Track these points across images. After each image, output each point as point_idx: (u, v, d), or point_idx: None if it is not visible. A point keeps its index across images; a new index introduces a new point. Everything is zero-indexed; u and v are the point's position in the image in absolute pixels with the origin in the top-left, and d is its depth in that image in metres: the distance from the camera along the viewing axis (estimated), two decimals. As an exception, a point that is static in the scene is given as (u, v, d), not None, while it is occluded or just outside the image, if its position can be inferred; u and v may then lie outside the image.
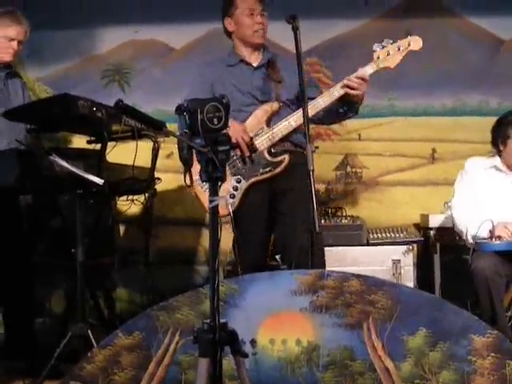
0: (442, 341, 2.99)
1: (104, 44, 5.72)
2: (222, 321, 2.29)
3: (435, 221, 5.08)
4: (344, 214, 5.26)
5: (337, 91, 3.79)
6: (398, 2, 5.69)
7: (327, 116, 3.97)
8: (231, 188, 3.85)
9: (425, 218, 5.19)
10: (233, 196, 3.85)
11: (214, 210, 2.29)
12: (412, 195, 5.61)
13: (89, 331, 3.45)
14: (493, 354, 2.97)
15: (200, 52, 5.65)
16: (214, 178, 2.24)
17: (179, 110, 2.23)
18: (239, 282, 3.13)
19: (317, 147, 3.84)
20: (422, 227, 5.31)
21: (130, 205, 4.31)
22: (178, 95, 5.45)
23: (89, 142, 4.27)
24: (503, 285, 3.93)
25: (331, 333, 3.02)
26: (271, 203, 3.87)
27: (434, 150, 5.66)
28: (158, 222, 5.35)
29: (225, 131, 2.26)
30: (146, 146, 4.22)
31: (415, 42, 3.83)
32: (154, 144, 4.34)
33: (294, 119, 3.75)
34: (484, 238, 3.97)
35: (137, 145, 4.13)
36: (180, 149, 2.22)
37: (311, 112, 3.67)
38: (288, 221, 3.79)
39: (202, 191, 3.86)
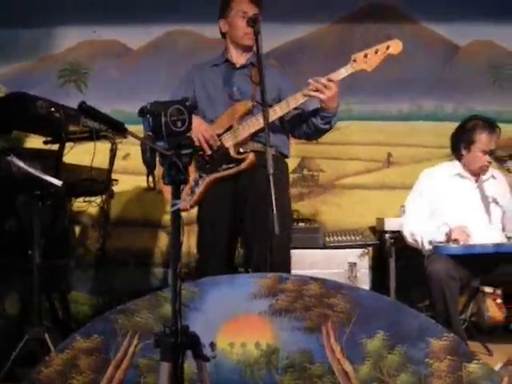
0: (399, 344, 3.01)
1: (62, 43, 5.67)
2: (183, 324, 2.27)
3: (391, 224, 5.13)
4: (301, 216, 5.30)
5: (303, 94, 3.76)
6: (357, 8, 5.74)
7: (303, 129, 3.96)
8: (193, 182, 3.83)
9: (380, 221, 5.24)
10: (192, 191, 3.83)
11: (177, 213, 2.27)
12: (368, 199, 5.67)
13: (46, 334, 3.40)
14: (449, 357, 3.01)
15: (158, 53, 5.68)
16: (176, 182, 2.23)
17: (142, 112, 2.22)
18: (199, 285, 3.12)
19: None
20: (378, 231, 5.36)
21: (88, 206, 4.28)
22: (136, 96, 5.50)
23: (45, 143, 4.24)
24: (457, 288, 3.96)
25: (290, 336, 3.03)
26: (235, 204, 3.86)
27: (389, 155, 5.73)
28: (115, 223, 5.32)
29: (188, 134, 2.25)
30: (102, 147, 4.20)
31: (394, 46, 3.75)
32: (112, 145, 4.33)
33: (259, 119, 3.73)
34: (441, 242, 3.99)
35: (95, 146, 4.12)
36: (143, 151, 2.20)
37: (280, 112, 3.71)
38: (250, 222, 3.78)
39: (169, 190, 3.86)
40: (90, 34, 5.63)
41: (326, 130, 3.96)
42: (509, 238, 4.10)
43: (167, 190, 3.83)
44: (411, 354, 3.01)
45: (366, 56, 3.72)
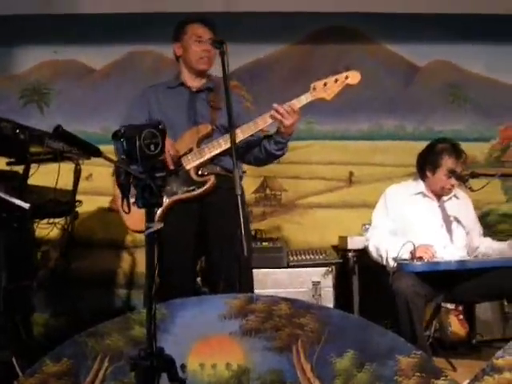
0: (369, 362, 3.04)
1: (23, 63, 5.64)
2: (158, 347, 2.27)
3: (353, 243, 5.17)
4: (263, 236, 5.32)
5: (264, 119, 3.79)
6: (318, 28, 5.80)
7: (254, 153, 3.98)
8: None
9: (343, 240, 5.28)
10: None
11: (151, 237, 2.28)
12: (330, 217, 5.72)
13: (13, 359, 3.35)
14: (418, 374, 3.04)
15: (120, 73, 5.68)
16: (150, 204, 2.24)
17: (116, 135, 2.22)
18: (169, 306, 3.11)
19: (244, 172, 3.90)
20: (341, 249, 5.40)
21: (52, 228, 4.25)
22: (98, 116, 5.49)
23: (9, 164, 4.20)
24: (423, 305, 4.02)
25: (261, 356, 3.04)
26: (199, 226, 3.87)
27: (351, 173, 5.80)
28: (77, 244, 5.26)
29: (161, 157, 2.27)
30: (64, 168, 4.17)
31: (353, 77, 3.83)
32: (76, 166, 4.30)
33: (225, 139, 3.75)
34: (405, 259, 4.03)
35: (59, 167, 4.10)
36: (117, 175, 2.21)
37: (241, 136, 3.72)
38: (215, 245, 3.79)
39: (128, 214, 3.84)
40: (52, 54, 5.60)
41: (278, 157, 4.01)
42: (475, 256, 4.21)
43: (127, 215, 3.85)
44: (380, 372, 3.04)
45: (325, 85, 3.79)
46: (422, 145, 4.56)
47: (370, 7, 5.51)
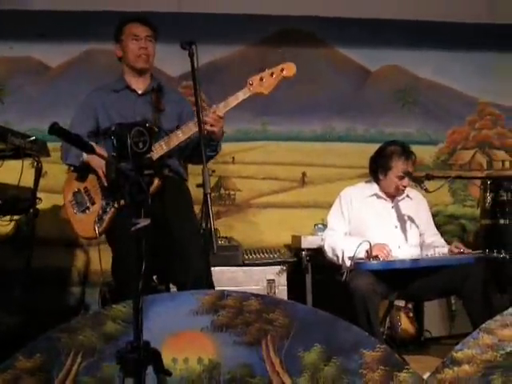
0: (335, 356, 3.16)
1: (-23, 59, 5.56)
2: (144, 340, 2.33)
3: (307, 242, 5.26)
4: (218, 235, 5.37)
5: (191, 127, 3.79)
6: (274, 30, 5.89)
7: (191, 156, 4.02)
8: (101, 210, 3.84)
9: (297, 239, 5.36)
10: (101, 218, 3.83)
11: (138, 233, 2.32)
12: (283, 217, 5.80)
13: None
14: (382, 367, 3.18)
15: (76, 71, 5.64)
16: (138, 201, 2.29)
17: (106, 133, 2.27)
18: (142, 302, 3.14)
19: (213, 171, 3.95)
20: (294, 248, 5.49)
21: (15, 225, 4.24)
22: (54, 114, 5.42)
23: (-33, 160, 4.16)
24: (379, 302, 4.15)
25: (231, 351, 3.12)
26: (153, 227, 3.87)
27: (304, 174, 5.90)
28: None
29: (149, 155, 2.32)
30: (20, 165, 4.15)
31: (288, 69, 3.86)
32: (38, 164, 4.28)
33: (166, 142, 3.76)
34: (361, 258, 4.14)
35: (22, 164, 4.09)
36: (108, 172, 2.25)
37: (182, 137, 3.77)
38: (176, 243, 3.81)
39: (73, 213, 3.88)
40: (7, 51, 5.53)
41: (213, 157, 4.10)
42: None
43: (71, 213, 3.89)
44: (346, 366, 3.16)
45: (261, 79, 3.83)
46: (373, 147, 4.68)
47: (324, 11, 5.60)
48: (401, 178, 4.39)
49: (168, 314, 3.11)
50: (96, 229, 3.75)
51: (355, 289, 4.03)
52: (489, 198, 4.93)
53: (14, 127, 4.44)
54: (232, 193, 5.79)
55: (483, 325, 3.31)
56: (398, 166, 4.39)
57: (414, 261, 4.20)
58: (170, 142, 3.76)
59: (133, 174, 2.23)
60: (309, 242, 5.26)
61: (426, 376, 3.26)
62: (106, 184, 3.72)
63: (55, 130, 2.07)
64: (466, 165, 6.12)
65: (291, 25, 5.86)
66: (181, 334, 3.10)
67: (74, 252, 5.58)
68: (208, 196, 3.35)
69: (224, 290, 3.25)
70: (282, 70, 3.85)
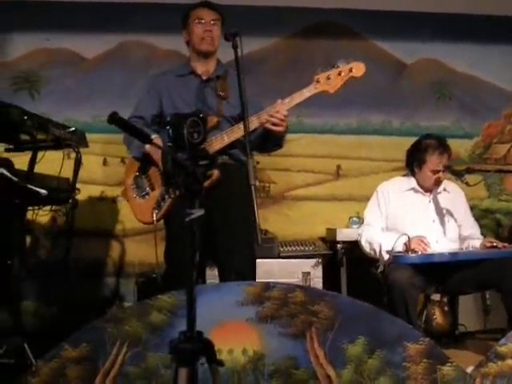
0: (379, 348, 3.15)
1: (15, 50, 5.60)
2: (197, 331, 2.33)
3: (342, 235, 5.27)
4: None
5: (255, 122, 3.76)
6: (309, 23, 5.88)
7: (254, 144, 3.97)
8: (160, 197, 3.85)
9: (332, 231, 5.37)
10: (159, 205, 3.85)
11: (191, 224, 2.33)
12: (317, 210, 5.80)
13: (25, 344, 3.36)
14: (425, 360, 3.16)
15: (111, 62, 5.69)
16: (193, 191, 2.29)
17: (162, 123, 2.27)
18: (186, 293, 3.16)
19: (258, 162, 3.94)
20: (328, 240, 5.49)
21: (51, 216, 4.26)
22: (89, 105, 5.48)
23: (7, 150, 4.19)
24: (417, 296, 4.14)
25: (276, 342, 3.12)
26: (206, 216, 3.88)
27: (338, 167, 5.89)
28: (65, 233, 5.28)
29: (203, 146, 2.32)
30: (53, 156, 4.18)
31: (357, 69, 3.82)
32: (77, 155, 4.30)
33: (228, 134, 3.77)
34: (399, 252, 4.13)
35: (63, 155, 4.12)
36: (164, 162, 2.26)
37: (236, 135, 3.71)
38: (223, 234, 3.83)
39: (133, 197, 3.90)
40: (44, 42, 5.58)
41: (276, 150, 4.11)
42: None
43: (131, 197, 3.91)
44: (390, 358, 3.15)
45: (329, 77, 3.78)
46: (408, 140, 4.66)
47: (361, 4, 5.61)
48: (435, 172, 4.37)
49: (213, 304, 3.11)
50: (154, 215, 3.75)
51: (394, 282, 4.02)
52: (527, 192, 4.89)
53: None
54: (267, 185, 5.79)
55: (528, 319, 3.29)
56: (433, 159, 4.37)
57: (453, 254, 4.18)
58: (231, 134, 3.73)
59: (188, 164, 2.23)
60: (344, 234, 5.27)
61: (469, 370, 3.24)
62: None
63: (115, 120, 2.07)
64: (501, 159, 6.08)
65: (327, 18, 5.86)
66: (226, 325, 3.10)
67: (110, 243, 5.62)
68: (253, 187, 3.33)
69: (269, 282, 3.25)
70: (351, 69, 3.81)
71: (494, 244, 4.24)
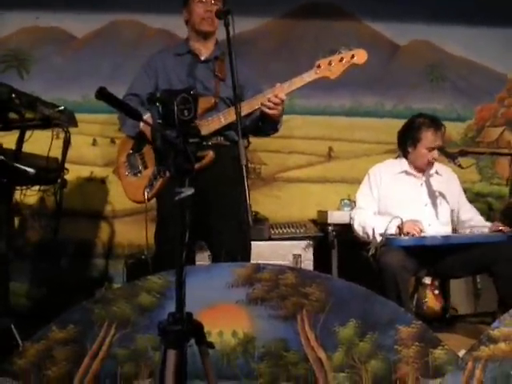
0: (370, 331, 3.13)
1: (3, 29, 5.49)
2: (187, 312, 2.30)
3: (333, 217, 5.22)
4: (244, 208, 5.34)
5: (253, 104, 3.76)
6: (302, 4, 5.82)
7: (250, 127, 3.96)
8: (152, 176, 3.80)
9: (323, 214, 5.32)
10: (151, 184, 3.80)
11: (182, 202, 2.28)
12: (308, 192, 5.75)
13: (12, 326, 3.31)
14: (417, 343, 3.15)
15: (102, 42, 5.61)
16: (183, 170, 2.24)
17: (151, 100, 2.21)
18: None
19: (249, 142, 3.89)
20: (320, 223, 5.44)
21: (40, 196, 4.20)
22: (78, 84, 5.41)
23: (-5, 130, 4.12)
24: (409, 279, 4.13)
25: (266, 324, 3.09)
26: (198, 196, 3.84)
27: (330, 149, 5.83)
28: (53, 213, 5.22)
29: (194, 123, 2.27)
30: (41, 135, 4.12)
31: (359, 56, 3.80)
32: (66, 134, 4.23)
33: (225, 116, 3.73)
34: (392, 234, 4.09)
35: (52, 134, 4.06)
36: (153, 139, 2.21)
37: (233, 116, 3.62)
38: (217, 215, 3.79)
39: (125, 175, 3.85)
40: (33, 20, 5.48)
41: (273, 133, 4.07)
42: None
43: (123, 174, 3.86)
44: (381, 341, 3.13)
45: (330, 63, 3.74)
46: (401, 123, 4.63)
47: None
48: (431, 149, 4.34)
49: (203, 286, 3.07)
50: (145, 194, 3.71)
51: (385, 265, 4.00)
52: (519, 176, 4.87)
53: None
54: (258, 167, 5.73)
55: (520, 303, 3.27)
56: (428, 137, 4.34)
57: (445, 237, 4.17)
58: (228, 115, 3.72)
59: (178, 141, 2.18)
60: (335, 217, 5.22)
61: (461, 353, 3.22)
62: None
63: (104, 96, 2.01)
64: (493, 142, 6.04)
65: (320, -2, 5.80)
66: (216, 307, 3.07)
67: (99, 224, 5.57)
68: (244, 167, 3.29)
69: (260, 263, 3.22)
70: (353, 56, 3.78)
71: (500, 228, 4.21)
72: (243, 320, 3.09)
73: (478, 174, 5.95)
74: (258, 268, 3.14)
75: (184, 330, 2.25)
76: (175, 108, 2.16)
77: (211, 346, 2.35)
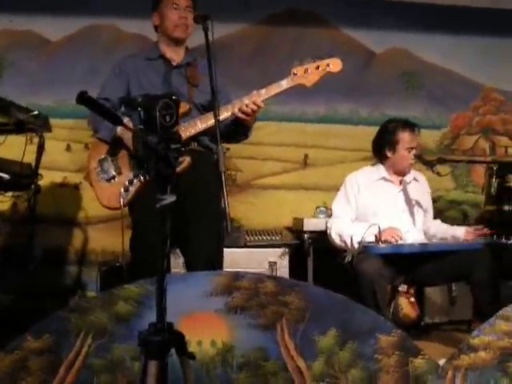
0: (350, 340, 3.09)
1: (-25, 32, 5.41)
2: (168, 322, 2.25)
3: (309, 225, 5.21)
4: (219, 216, 5.30)
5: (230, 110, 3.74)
6: (277, 10, 5.79)
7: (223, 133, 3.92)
8: (127, 182, 3.74)
9: (299, 221, 5.30)
10: (127, 189, 3.73)
11: (163, 209, 2.24)
12: (284, 199, 5.74)
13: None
14: (397, 352, 3.11)
15: (76, 46, 5.53)
16: (164, 176, 2.19)
17: (131, 105, 2.16)
18: (155, 282, 3.05)
19: (228, 148, 3.85)
20: (295, 230, 5.43)
21: (12, 202, 4.13)
22: (52, 89, 5.33)
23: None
24: (386, 286, 4.12)
25: (246, 333, 3.03)
26: (176, 204, 3.80)
27: (306, 156, 5.82)
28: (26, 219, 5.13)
29: (175, 129, 2.23)
30: (16, 140, 4.05)
31: (335, 65, 3.82)
32: (40, 139, 4.19)
33: (202, 121, 3.70)
34: (370, 242, 4.08)
35: (26, 139, 4.00)
36: (134, 145, 2.16)
37: (210, 122, 3.62)
38: (192, 221, 3.74)
39: (97, 180, 3.78)
40: (7, 24, 5.38)
41: (243, 139, 4.09)
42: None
43: (95, 180, 3.79)
44: (361, 350, 3.09)
45: (306, 71, 3.76)
46: (376, 130, 4.63)
47: (328, -9, 5.55)
48: (410, 149, 4.35)
49: (181, 295, 3.00)
50: (121, 200, 3.64)
51: (363, 272, 3.99)
52: (495, 184, 4.88)
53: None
54: (233, 173, 5.69)
55: (500, 311, 3.25)
56: (405, 137, 4.38)
57: (423, 245, 4.20)
58: (205, 120, 3.69)
59: (160, 147, 2.13)
60: (311, 224, 5.22)
61: (441, 362, 3.20)
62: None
63: (84, 100, 1.96)
64: (468, 150, 6.08)
65: (295, 5, 5.78)
66: (194, 316, 3.01)
67: (72, 230, 5.48)
68: (222, 174, 3.26)
69: (239, 272, 3.17)
70: (329, 65, 3.80)
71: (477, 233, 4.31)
72: (222, 329, 3.03)
73: (453, 181, 5.98)
74: (237, 276, 3.09)
75: (165, 340, 2.19)
76: (157, 113, 2.11)
77: (192, 356, 2.30)
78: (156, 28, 3.99)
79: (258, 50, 5.77)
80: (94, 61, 5.44)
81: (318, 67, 3.77)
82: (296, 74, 3.74)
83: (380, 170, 4.49)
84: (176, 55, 3.94)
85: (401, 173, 4.44)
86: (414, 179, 4.52)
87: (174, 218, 3.72)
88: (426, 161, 4.33)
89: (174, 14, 3.85)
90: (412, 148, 4.34)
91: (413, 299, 4.97)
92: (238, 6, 5.66)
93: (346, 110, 5.88)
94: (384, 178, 4.46)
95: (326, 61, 3.79)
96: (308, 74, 3.75)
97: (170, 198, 2.23)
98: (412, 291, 4.97)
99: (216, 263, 3.62)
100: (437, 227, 4.56)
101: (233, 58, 5.65)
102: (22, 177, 3.98)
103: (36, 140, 4.33)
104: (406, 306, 4.93)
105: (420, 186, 4.55)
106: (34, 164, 4.24)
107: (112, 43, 5.56)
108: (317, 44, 5.67)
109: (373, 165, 4.60)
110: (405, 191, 4.47)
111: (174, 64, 3.91)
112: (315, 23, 5.76)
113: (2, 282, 5.15)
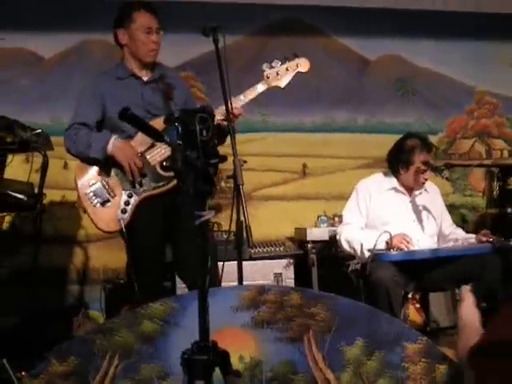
0: (377, 349, 3.07)
1: (-32, 50, 5.33)
2: (212, 340, 2.21)
3: (312, 234, 5.20)
4: (220, 228, 5.26)
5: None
6: (272, 20, 5.81)
7: None
8: (123, 203, 3.72)
9: (301, 231, 5.29)
10: (124, 211, 3.71)
11: (202, 226, 2.20)
12: (284, 209, 5.72)
13: (4, 361, 3.16)
14: (423, 360, 3.10)
15: (70, 62, 5.48)
16: (204, 192, 2.16)
17: (170, 120, 2.13)
18: (179, 300, 3.04)
19: (245, 161, 3.83)
20: (297, 240, 5.41)
21: (11, 222, 4.08)
22: (47, 106, 5.27)
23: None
24: (401, 294, 4.10)
25: (273, 347, 3.01)
26: (166, 219, 3.78)
27: (304, 165, 5.81)
28: (28, 239, 5.05)
29: (212, 144, 2.20)
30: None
31: (303, 65, 3.96)
32: (44, 158, 4.13)
33: None
34: (381, 250, 4.07)
35: (32, 158, 3.95)
36: (174, 161, 2.13)
37: None
38: (184, 236, 3.73)
39: (92, 206, 3.73)
40: (-1, 41, 5.33)
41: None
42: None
43: (88, 205, 3.74)
44: (388, 359, 3.07)
45: (277, 74, 3.90)
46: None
47: (322, 1, 5.55)
48: (423, 171, 4.32)
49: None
50: (121, 222, 3.61)
51: (378, 280, 3.97)
52: (496, 187, 4.90)
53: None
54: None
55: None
56: (420, 159, 4.32)
57: (434, 251, 4.19)
58: None
59: (199, 163, 2.10)
60: (314, 234, 5.22)
61: (467, 368, 3.18)
62: (129, 177, 3.63)
63: (127, 117, 1.93)
64: (465, 154, 6.11)
65: (289, 15, 5.79)
66: (221, 332, 2.95)
67: (72, 249, 5.42)
68: (241, 187, 3.24)
69: (265, 285, 3.14)
70: (298, 65, 3.95)
71: (484, 239, 4.24)
72: (249, 344, 3.00)
73: (450, 186, 6.00)
74: (263, 290, 3.07)
75: (211, 359, 2.15)
76: (197, 128, 2.08)
77: (238, 374, 2.27)
78: (120, 45, 3.93)
79: (254, 59, 5.74)
80: (88, 77, 5.35)
81: (287, 69, 3.93)
82: (268, 78, 3.90)
83: (392, 181, 4.44)
84: (145, 72, 3.93)
85: (409, 189, 4.43)
86: (425, 190, 4.49)
87: (164, 233, 3.74)
88: (435, 167, 4.32)
89: (148, 38, 3.83)
90: (425, 170, 4.32)
91: (418, 305, 4.99)
92: (232, 17, 5.63)
93: (342, 119, 5.90)
94: (395, 189, 4.43)
95: (295, 61, 3.94)
96: (280, 75, 3.91)
97: (208, 215, 2.18)
98: (417, 297, 4.99)
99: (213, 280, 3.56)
100: (457, 236, 4.55)
101: (229, 69, 5.61)
102: (29, 196, 3.91)
103: (35, 159, 4.28)
104: (413, 312, 4.94)
105: (431, 195, 4.53)
106: (36, 183, 4.18)
107: (105, 59, 5.48)
108: (311, 53, 5.62)
109: (384, 173, 4.54)
110: (414, 202, 4.45)
111: (145, 79, 3.91)
112: (309, 33, 5.78)
113: (5, 304, 5.07)
